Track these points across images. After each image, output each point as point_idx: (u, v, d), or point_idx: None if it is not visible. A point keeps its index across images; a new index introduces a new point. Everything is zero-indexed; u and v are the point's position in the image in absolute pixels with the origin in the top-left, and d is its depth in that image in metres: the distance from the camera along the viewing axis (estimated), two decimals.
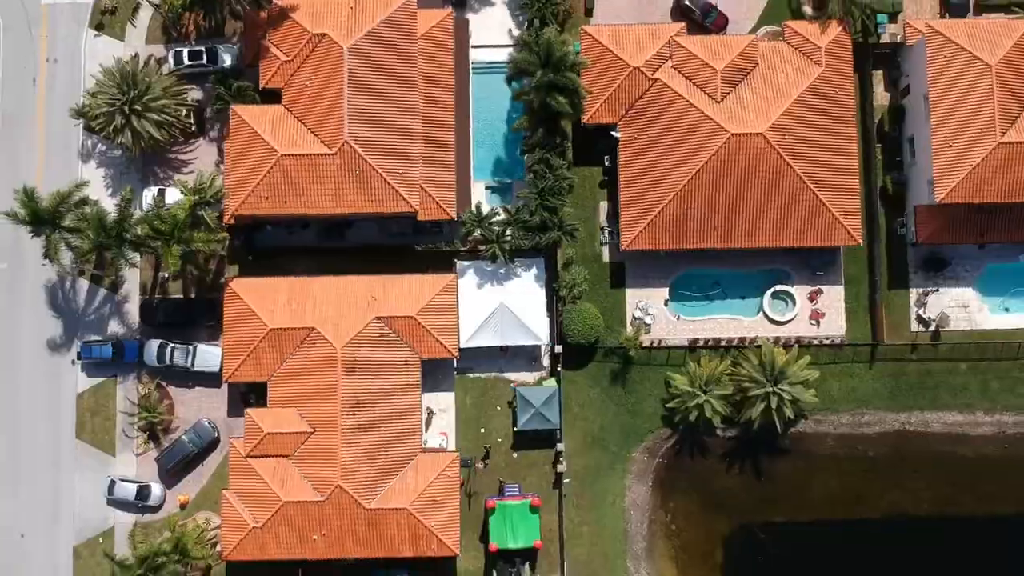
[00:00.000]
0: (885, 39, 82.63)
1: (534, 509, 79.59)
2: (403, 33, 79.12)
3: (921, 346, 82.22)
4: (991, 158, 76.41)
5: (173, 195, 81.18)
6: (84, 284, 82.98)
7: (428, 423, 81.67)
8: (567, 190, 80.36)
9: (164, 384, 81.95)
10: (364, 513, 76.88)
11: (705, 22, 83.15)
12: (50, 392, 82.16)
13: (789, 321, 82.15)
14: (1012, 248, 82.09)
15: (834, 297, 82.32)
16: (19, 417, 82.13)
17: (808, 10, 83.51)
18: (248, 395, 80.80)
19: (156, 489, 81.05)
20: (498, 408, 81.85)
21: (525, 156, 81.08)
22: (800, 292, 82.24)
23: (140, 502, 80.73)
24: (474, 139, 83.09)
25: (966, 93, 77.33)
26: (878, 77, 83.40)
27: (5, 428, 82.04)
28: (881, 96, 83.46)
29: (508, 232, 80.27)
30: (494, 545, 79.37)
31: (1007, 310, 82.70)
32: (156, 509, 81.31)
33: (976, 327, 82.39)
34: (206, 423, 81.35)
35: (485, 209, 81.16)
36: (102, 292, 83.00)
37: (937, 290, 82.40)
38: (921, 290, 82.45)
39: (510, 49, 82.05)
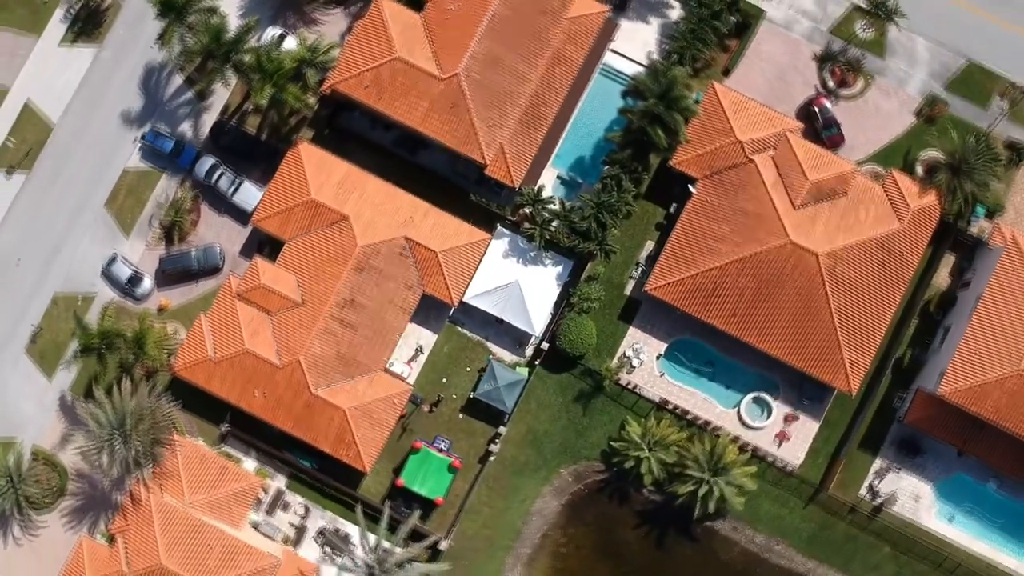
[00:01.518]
0: (973, 230, 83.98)
1: (452, 469, 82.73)
2: (554, 7, 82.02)
3: (859, 512, 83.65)
4: (1005, 381, 77.72)
5: (291, 44, 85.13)
6: (177, 80, 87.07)
7: (413, 358, 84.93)
8: (624, 215, 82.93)
9: (200, 199, 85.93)
10: (307, 395, 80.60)
11: (822, 133, 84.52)
12: (103, 155, 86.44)
13: (757, 429, 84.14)
14: (986, 469, 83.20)
15: (807, 429, 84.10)
16: (69, 159, 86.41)
17: (919, 169, 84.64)
18: (264, 245, 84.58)
19: (147, 282, 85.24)
20: (467, 369, 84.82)
21: (605, 167, 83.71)
22: (780, 409, 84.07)
23: (128, 287, 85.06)
24: (569, 129, 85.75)
25: (1014, 313, 78.68)
26: (948, 259, 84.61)
27: (52, 164, 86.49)
28: (942, 277, 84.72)
29: (554, 224, 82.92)
30: (401, 481, 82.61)
31: (951, 520, 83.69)
32: (138, 300, 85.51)
33: (916, 521, 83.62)
34: (217, 249, 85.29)
35: (546, 193, 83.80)
36: (189, 94, 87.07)
37: (899, 471, 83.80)
38: (885, 463, 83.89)
39: (641, 69, 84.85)
